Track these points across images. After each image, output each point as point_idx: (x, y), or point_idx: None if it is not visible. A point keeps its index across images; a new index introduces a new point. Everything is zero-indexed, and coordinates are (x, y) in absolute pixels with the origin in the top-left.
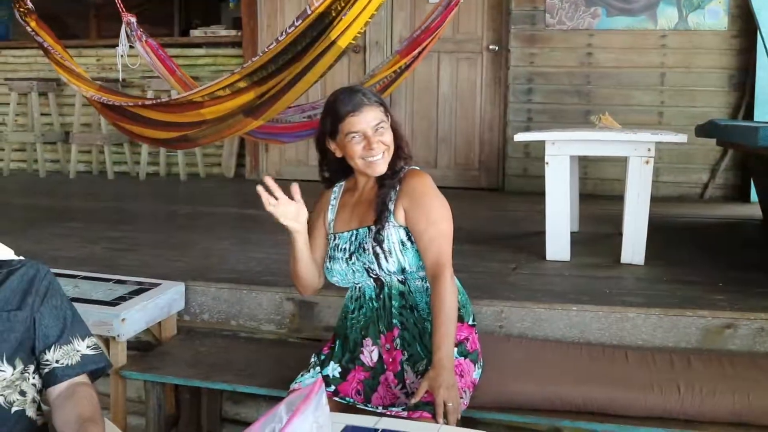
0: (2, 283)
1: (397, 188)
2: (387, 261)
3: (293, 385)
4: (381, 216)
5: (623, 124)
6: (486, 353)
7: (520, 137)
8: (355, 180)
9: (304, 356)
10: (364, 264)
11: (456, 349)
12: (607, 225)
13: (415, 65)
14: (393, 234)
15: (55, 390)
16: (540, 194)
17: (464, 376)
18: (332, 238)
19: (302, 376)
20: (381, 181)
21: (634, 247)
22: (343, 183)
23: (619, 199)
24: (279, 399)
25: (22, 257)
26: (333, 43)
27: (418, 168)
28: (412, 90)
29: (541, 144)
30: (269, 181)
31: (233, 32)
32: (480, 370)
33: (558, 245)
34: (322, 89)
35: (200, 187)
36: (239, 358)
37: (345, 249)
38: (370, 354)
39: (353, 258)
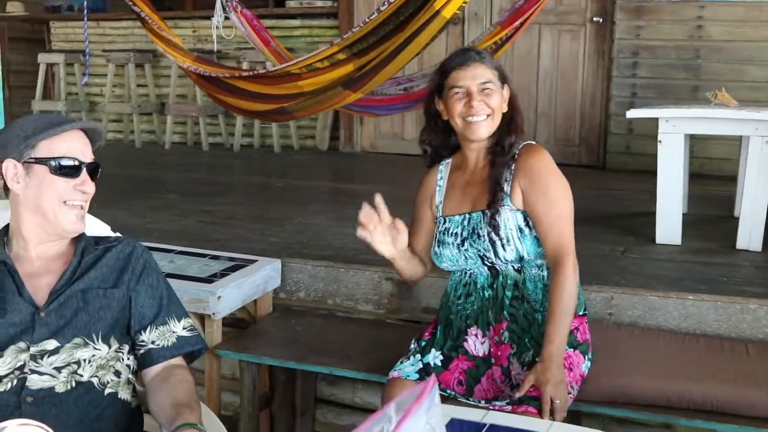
0: (99, 260)
1: (512, 166)
2: (504, 249)
3: (392, 373)
4: (496, 198)
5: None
6: (595, 342)
7: (633, 113)
8: (463, 157)
9: (403, 339)
10: (479, 251)
11: None
12: (716, 207)
13: (516, 37)
14: (510, 219)
15: (151, 371)
16: (644, 172)
17: (573, 369)
18: (441, 222)
19: (401, 363)
20: (493, 158)
21: (751, 232)
22: (449, 161)
23: (728, 179)
24: (376, 384)
25: (118, 234)
26: (437, 13)
27: (533, 142)
28: (511, 63)
29: (647, 120)
30: (379, 200)
31: (329, 3)
32: (589, 363)
33: (669, 228)
34: (418, 62)
35: (294, 160)
36: (336, 339)
37: (456, 234)
38: (479, 345)
39: (466, 244)
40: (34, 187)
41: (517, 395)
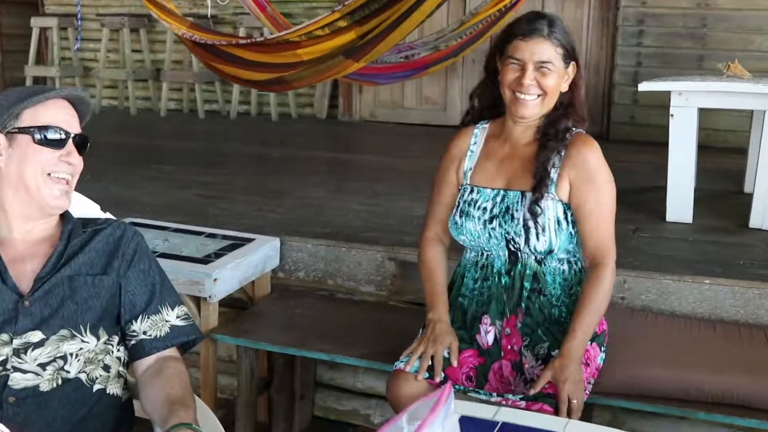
0: (87, 244)
1: (562, 153)
2: (538, 239)
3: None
4: (541, 184)
5: None
6: (609, 330)
7: (646, 86)
8: (504, 126)
9: (407, 323)
10: (507, 233)
11: None
12: (725, 182)
13: (520, 4)
14: (551, 208)
15: (142, 364)
16: (649, 144)
17: (590, 363)
18: (467, 190)
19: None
20: (544, 141)
21: (765, 211)
22: (486, 126)
23: (735, 152)
24: (380, 372)
25: (108, 214)
26: None
27: (584, 132)
28: None
29: (652, 91)
30: None
31: None
32: (604, 354)
33: (680, 206)
34: (419, 30)
35: (292, 128)
36: (337, 323)
37: (485, 208)
38: (486, 334)
39: (494, 222)
40: (16, 159)
41: (532, 391)
